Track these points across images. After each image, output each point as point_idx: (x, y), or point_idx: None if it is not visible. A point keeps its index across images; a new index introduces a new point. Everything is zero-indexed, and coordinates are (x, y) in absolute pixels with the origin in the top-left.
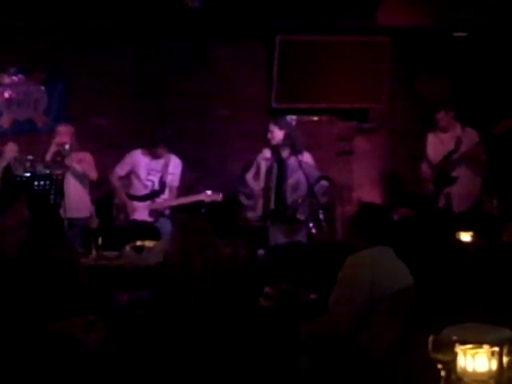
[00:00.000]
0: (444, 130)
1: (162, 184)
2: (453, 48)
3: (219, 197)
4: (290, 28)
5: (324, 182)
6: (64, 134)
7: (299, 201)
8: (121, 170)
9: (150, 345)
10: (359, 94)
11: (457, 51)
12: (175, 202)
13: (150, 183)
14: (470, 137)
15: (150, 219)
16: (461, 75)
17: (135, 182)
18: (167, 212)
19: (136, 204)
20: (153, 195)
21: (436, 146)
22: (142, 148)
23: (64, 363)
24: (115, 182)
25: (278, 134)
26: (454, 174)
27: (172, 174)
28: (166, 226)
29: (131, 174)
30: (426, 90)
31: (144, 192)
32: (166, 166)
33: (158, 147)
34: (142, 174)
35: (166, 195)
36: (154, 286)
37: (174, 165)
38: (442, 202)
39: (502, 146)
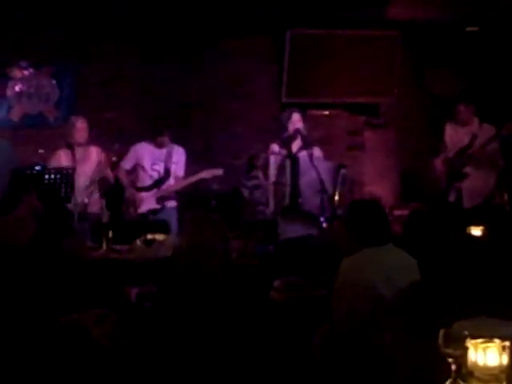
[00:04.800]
0: (463, 124)
1: (167, 172)
2: (464, 43)
3: (220, 171)
4: (301, 22)
5: (344, 171)
6: (82, 130)
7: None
8: (126, 164)
9: (159, 338)
10: (370, 89)
11: (468, 46)
12: (180, 185)
13: (155, 173)
14: (486, 132)
15: (157, 206)
16: (472, 70)
17: (141, 173)
18: (173, 196)
19: (143, 194)
20: (158, 183)
21: (452, 137)
22: (144, 140)
23: (72, 355)
24: (123, 178)
25: (296, 124)
26: (467, 169)
27: (176, 162)
28: (174, 217)
29: (137, 166)
30: (436, 84)
31: (150, 182)
32: (170, 155)
33: (164, 136)
34: (147, 164)
35: (171, 182)
36: (164, 280)
37: (178, 154)
38: (452, 197)
39: None
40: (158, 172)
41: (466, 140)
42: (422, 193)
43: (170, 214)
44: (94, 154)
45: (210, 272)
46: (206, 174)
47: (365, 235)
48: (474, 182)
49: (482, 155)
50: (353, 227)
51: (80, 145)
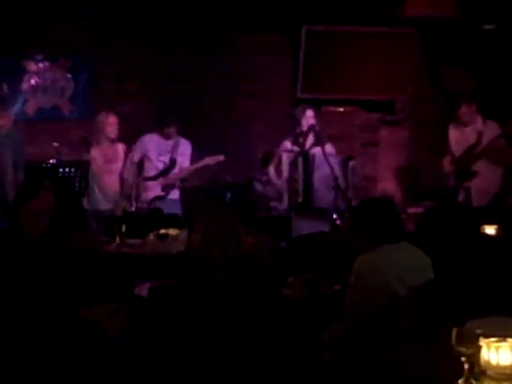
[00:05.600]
0: (465, 124)
1: (172, 162)
2: (480, 41)
3: (222, 157)
4: (317, 18)
5: (352, 163)
6: (113, 125)
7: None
8: (134, 156)
9: (171, 333)
10: (385, 86)
11: (484, 44)
12: (185, 172)
13: (161, 164)
14: (492, 130)
15: (162, 194)
16: (487, 68)
17: (147, 164)
18: (177, 185)
19: (149, 183)
20: (163, 173)
21: (457, 138)
22: (151, 132)
23: (85, 348)
24: (132, 171)
25: (309, 120)
26: (475, 167)
27: (182, 154)
28: (177, 210)
29: (143, 158)
30: (452, 82)
31: (155, 172)
32: (176, 146)
33: (171, 127)
34: (153, 155)
35: (176, 171)
36: (177, 275)
37: (184, 146)
38: (461, 197)
39: None
40: (164, 163)
41: (472, 138)
42: (436, 191)
43: (172, 205)
44: (121, 150)
45: (221, 265)
46: (209, 161)
47: (376, 233)
48: (483, 180)
49: (489, 152)
50: (363, 226)
51: (109, 140)
